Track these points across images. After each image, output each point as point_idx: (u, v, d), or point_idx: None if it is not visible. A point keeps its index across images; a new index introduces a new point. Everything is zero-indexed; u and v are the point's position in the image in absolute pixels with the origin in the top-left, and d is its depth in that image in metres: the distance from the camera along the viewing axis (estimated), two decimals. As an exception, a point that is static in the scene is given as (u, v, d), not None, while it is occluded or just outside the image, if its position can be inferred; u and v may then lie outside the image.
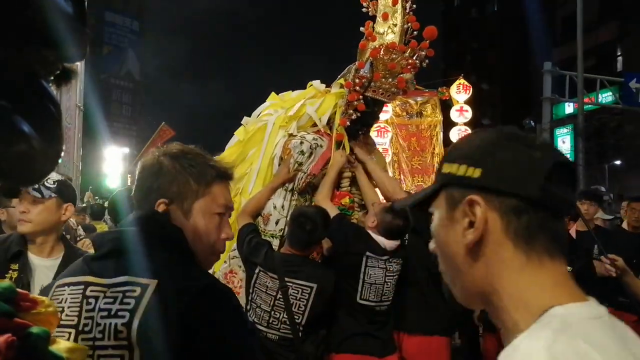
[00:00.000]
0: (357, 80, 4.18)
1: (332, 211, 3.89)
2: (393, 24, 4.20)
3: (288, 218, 3.86)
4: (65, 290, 1.62)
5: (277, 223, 3.97)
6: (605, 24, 28.37)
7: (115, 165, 32.54)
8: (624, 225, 6.24)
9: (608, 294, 5.49)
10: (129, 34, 71.52)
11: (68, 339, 1.51)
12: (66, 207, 2.93)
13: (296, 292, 3.46)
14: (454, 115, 13.21)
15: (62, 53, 0.93)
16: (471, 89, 13.35)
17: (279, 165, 4.17)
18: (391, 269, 3.88)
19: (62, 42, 0.90)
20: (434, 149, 12.67)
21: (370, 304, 3.79)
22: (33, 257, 2.82)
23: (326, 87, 4.43)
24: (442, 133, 12.83)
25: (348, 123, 4.24)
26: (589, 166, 17.31)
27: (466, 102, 13.35)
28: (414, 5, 4.23)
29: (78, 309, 1.57)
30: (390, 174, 12.57)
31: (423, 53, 4.21)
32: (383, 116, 12.44)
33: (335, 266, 3.85)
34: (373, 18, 4.31)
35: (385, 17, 4.23)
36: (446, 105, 13.11)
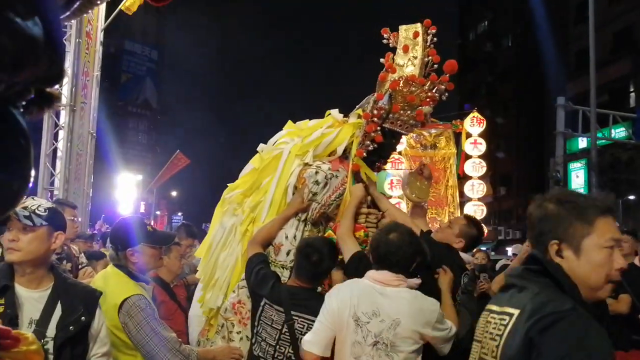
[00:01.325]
0: (375, 112, 4.13)
1: (354, 248, 3.75)
2: (413, 57, 4.17)
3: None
4: (487, 314, 2.12)
5: (288, 254, 3.88)
6: (619, 60, 28.39)
7: (128, 192, 32.60)
8: (636, 261, 6.13)
9: (621, 332, 5.40)
10: (147, 63, 72.29)
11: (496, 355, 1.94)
12: (57, 236, 2.81)
13: (302, 326, 3.35)
14: (468, 148, 13.20)
15: (27, 77, 0.89)
16: (485, 122, 13.37)
17: (293, 194, 4.10)
18: None
19: (26, 66, 0.86)
20: (447, 181, 12.66)
21: None
22: (21, 290, 2.70)
23: (344, 116, 4.41)
24: (455, 165, 12.83)
25: (364, 154, 4.19)
26: (603, 201, 17.13)
27: (480, 135, 13.36)
28: (435, 39, 4.19)
29: (482, 330, 2.09)
30: (404, 206, 12.61)
31: (443, 87, 4.16)
32: (397, 148, 12.49)
33: None
34: (393, 50, 4.28)
35: (405, 50, 4.19)
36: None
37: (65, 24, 10.71)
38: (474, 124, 13.22)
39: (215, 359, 3.61)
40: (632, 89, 29.10)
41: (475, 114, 13.33)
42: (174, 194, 55.30)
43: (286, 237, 3.94)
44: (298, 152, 4.18)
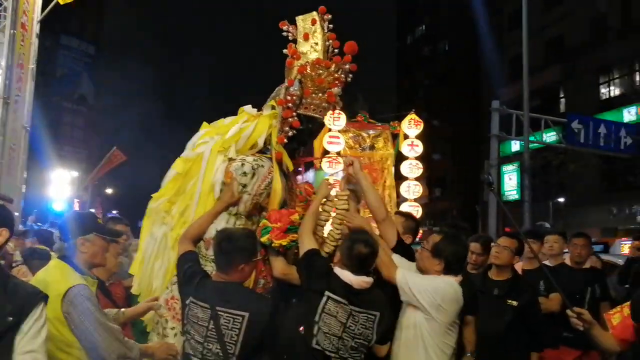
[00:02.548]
0: (288, 98, 4.24)
1: (309, 246, 3.73)
2: (315, 43, 4.33)
3: None
4: None
5: None
6: (550, 67, 29.44)
7: (62, 189, 31.73)
8: (567, 260, 6.37)
9: (553, 329, 5.61)
10: (84, 58, 70.45)
11: None
12: (0, 232, 2.75)
13: (227, 321, 3.31)
14: (405, 149, 13.36)
15: None
16: (422, 124, 13.55)
17: (221, 191, 4.09)
18: (353, 329, 3.50)
19: None
20: (385, 181, 12.79)
21: (325, 352, 3.44)
22: None
23: (257, 110, 4.43)
24: (393, 166, 12.98)
25: (285, 140, 4.25)
26: (534, 203, 17.72)
27: (417, 137, 13.52)
28: (331, 25, 4.37)
29: None
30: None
31: (347, 67, 4.36)
32: (335, 147, 12.57)
33: (299, 304, 3.72)
34: (294, 42, 4.41)
35: (306, 37, 4.34)
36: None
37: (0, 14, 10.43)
38: (411, 126, 13.34)
39: (154, 355, 3.60)
40: (562, 95, 30.22)
41: (413, 116, 13.44)
42: (109, 191, 53.98)
43: (217, 232, 3.91)
44: (220, 148, 4.21)
